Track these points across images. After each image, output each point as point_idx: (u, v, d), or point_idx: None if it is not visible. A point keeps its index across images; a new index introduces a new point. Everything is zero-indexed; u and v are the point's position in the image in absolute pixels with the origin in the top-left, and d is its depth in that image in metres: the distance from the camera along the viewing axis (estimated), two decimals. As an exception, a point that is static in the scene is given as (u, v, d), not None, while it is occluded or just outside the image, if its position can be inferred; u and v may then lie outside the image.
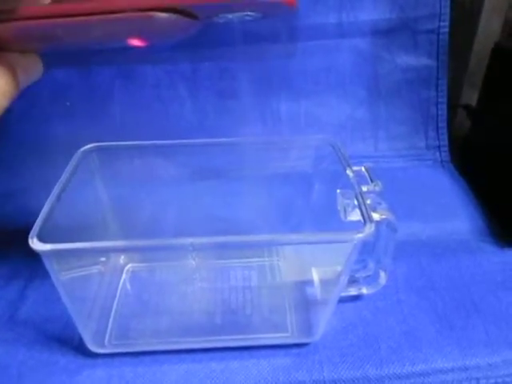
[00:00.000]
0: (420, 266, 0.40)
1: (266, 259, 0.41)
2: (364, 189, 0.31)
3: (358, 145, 0.55)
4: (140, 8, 0.23)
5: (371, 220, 0.27)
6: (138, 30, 0.26)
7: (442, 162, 0.56)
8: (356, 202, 0.30)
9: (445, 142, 0.56)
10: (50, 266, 0.27)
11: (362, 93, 0.55)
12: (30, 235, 0.26)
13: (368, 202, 0.29)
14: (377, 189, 0.31)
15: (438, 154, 0.56)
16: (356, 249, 0.28)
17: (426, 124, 0.55)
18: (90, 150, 0.36)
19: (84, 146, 0.36)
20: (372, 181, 0.32)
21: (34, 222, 0.28)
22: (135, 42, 0.28)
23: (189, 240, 0.26)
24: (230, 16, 0.27)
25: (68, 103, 0.51)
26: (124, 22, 0.24)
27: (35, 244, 0.26)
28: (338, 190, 0.32)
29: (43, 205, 0.29)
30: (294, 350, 0.33)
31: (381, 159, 0.55)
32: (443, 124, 0.55)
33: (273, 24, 0.51)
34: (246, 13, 0.26)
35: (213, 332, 0.34)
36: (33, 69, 0.27)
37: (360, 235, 0.27)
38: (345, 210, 0.31)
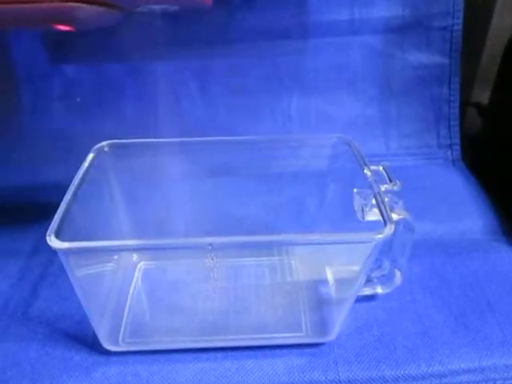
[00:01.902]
0: (433, 266, 0.40)
1: (277, 258, 0.41)
2: (382, 188, 0.30)
3: (369, 143, 0.55)
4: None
5: (391, 220, 0.27)
6: (64, 17, 0.29)
7: (453, 160, 0.55)
8: (374, 202, 0.29)
9: (456, 140, 0.55)
10: (67, 262, 0.27)
11: (374, 90, 0.54)
12: (47, 233, 0.26)
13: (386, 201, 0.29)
14: (395, 188, 0.31)
15: (449, 152, 0.55)
16: (376, 249, 0.28)
17: (437, 122, 0.55)
18: (104, 147, 0.36)
19: (95, 142, 0.36)
20: (391, 180, 0.31)
21: (48, 218, 0.27)
22: (62, 27, 0.31)
23: (208, 239, 0.26)
24: (151, 7, 0.30)
25: (78, 99, 0.50)
26: (50, 10, 0.26)
27: (53, 242, 0.26)
28: (355, 190, 0.32)
29: (57, 201, 0.29)
30: (309, 350, 0.33)
31: (392, 158, 0.54)
32: (455, 122, 0.55)
33: (284, 21, 0.51)
34: (164, 6, 0.30)
35: (227, 331, 0.34)
36: None
37: (380, 236, 0.26)
38: (362, 210, 0.31)
